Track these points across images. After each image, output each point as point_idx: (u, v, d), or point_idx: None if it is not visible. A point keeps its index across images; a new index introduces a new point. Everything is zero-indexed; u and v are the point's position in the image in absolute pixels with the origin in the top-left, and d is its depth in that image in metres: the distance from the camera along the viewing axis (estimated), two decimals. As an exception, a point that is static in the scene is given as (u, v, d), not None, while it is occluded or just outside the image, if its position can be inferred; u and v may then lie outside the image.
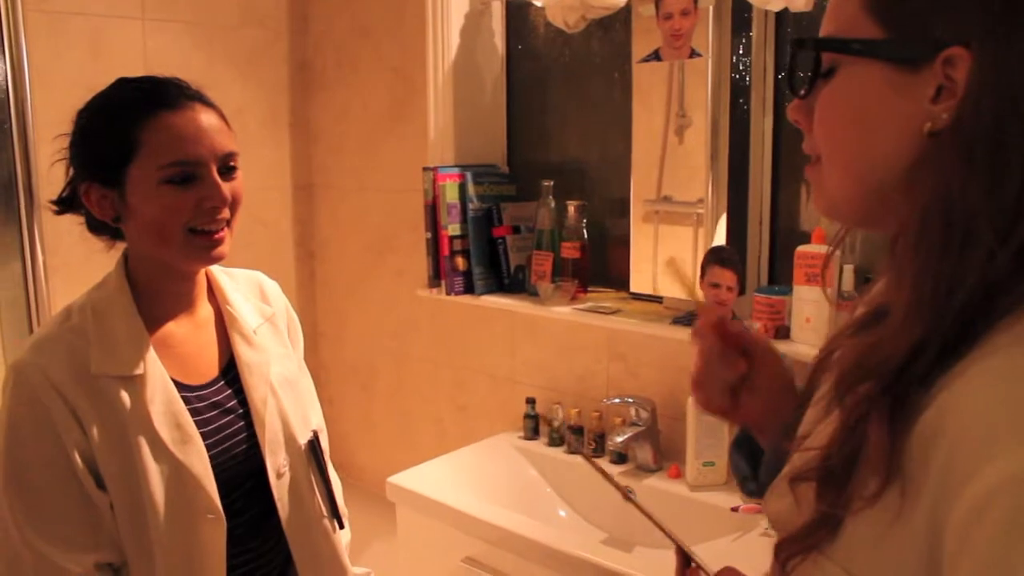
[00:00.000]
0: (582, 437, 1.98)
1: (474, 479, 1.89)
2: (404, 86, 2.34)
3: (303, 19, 2.58)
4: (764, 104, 1.79)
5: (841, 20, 0.64)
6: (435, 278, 2.14)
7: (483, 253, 2.14)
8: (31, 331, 1.65)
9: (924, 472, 0.54)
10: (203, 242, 1.07)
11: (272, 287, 1.31)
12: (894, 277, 0.62)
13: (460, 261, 2.12)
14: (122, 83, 1.08)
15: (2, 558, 1.03)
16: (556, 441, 2.01)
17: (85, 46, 2.12)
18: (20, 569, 1.01)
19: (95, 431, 1.02)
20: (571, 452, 1.97)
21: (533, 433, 2.06)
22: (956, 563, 0.50)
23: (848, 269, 1.59)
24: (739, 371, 0.85)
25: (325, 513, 1.24)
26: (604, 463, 1.90)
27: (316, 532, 1.22)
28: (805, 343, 1.61)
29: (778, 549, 0.63)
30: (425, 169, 2.12)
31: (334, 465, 1.32)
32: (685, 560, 0.82)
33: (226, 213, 1.07)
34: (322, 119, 2.59)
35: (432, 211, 2.11)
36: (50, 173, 1.13)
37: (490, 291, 2.15)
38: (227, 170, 1.08)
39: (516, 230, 2.16)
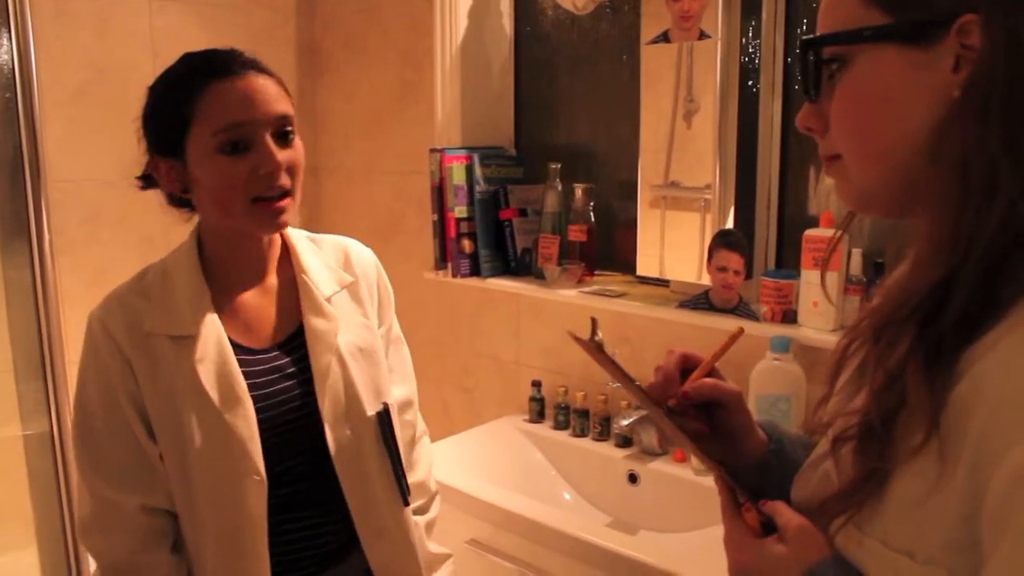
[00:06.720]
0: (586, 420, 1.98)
1: (479, 462, 1.90)
2: (412, 68, 2.33)
3: (310, 0, 2.56)
4: (773, 87, 1.77)
5: (841, 17, 0.64)
6: (441, 260, 2.14)
7: (490, 236, 2.14)
8: (37, 309, 1.66)
9: (961, 441, 0.54)
10: (265, 210, 1.06)
11: (359, 256, 1.29)
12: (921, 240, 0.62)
13: (467, 244, 2.12)
14: (184, 58, 1.09)
15: (78, 489, 1.14)
16: (562, 424, 2.01)
17: (92, 25, 2.11)
18: (83, 500, 1.12)
19: (147, 385, 1.08)
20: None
21: (539, 416, 2.06)
22: (998, 530, 0.51)
23: (856, 253, 1.58)
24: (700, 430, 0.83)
25: (391, 488, 1.20)
26: (608, 447, 1.90)
27: (381, 507, 1.19)
28: (812, 327, 1.61)
29: (822, 509, 0.64)
30: (432, 151, 2.11)
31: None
32: (733, 496, 0.76)
33: (284, 180, 1.06)
34: (329, 101, 2.58)
35: (439, 193, 2.10)
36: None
37: (496, 274, 2.15)
38: (282, 136, 1.07)
39: (523, 213, 2.16)
